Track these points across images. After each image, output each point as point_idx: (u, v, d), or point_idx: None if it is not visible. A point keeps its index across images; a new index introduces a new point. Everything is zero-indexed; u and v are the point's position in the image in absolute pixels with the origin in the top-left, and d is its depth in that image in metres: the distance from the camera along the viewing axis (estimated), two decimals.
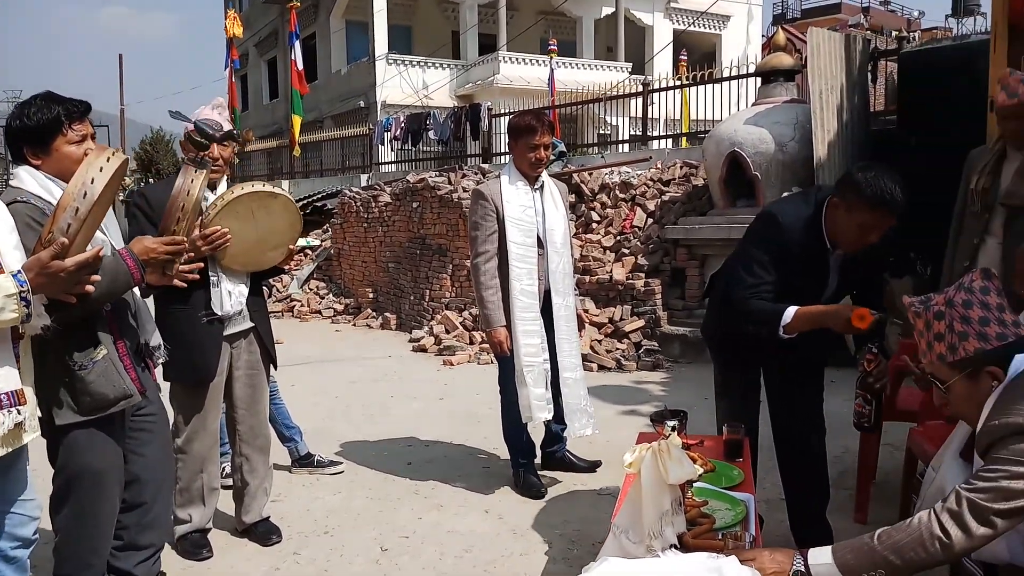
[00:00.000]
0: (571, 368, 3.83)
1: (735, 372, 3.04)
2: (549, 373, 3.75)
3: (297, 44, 14.69)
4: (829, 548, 1.74)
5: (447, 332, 8.02)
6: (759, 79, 7.68)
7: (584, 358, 6.73)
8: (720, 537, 1.88)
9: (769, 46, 7.68)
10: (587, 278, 7.61)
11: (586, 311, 7.31)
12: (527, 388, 3.68)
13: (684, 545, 1.83)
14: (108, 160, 2.06)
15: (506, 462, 4.12)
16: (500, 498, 3.83)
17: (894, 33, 10.03)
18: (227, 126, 3.07)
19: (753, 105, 7.53)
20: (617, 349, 7.03)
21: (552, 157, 9.08)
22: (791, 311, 2.57)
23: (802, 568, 1.71)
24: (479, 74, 22.46)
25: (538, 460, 4.07)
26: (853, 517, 3.40)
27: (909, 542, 1.65)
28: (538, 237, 3.74)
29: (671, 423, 2.43)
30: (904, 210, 2.48)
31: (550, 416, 3.79)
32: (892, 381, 3.44)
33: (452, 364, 7.19)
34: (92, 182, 2.01)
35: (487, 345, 7.30)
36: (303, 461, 4.22)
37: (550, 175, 3.97)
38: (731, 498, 2.23)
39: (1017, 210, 3.47)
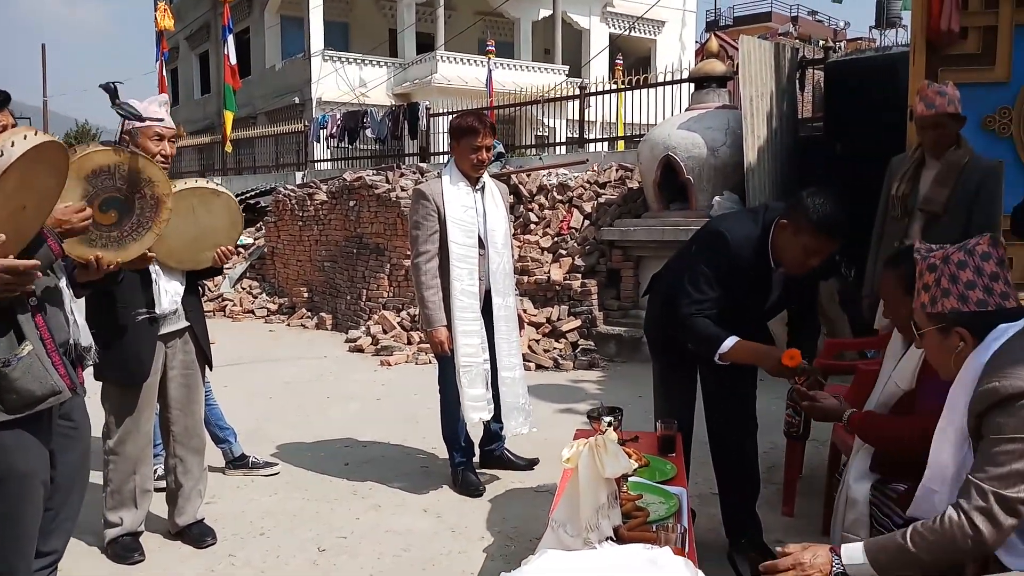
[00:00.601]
0: (510, 367, 3.86)
1: (673, 370, 3.11)
2: (489, 373, 3.78)
3: (230, 38, 14.39)
4: (861, 547, 1.78)
5: (384, 332, 7.98)
6: (692, 85, 7.86)
7: (523, 357, 6.82)
8: (654, 529, 1.94)
9: (702, 52, 7.86)
10: (525, 278, 7.67)
11: (524, 311, 7.36)
12: (463, 389, 3.70)
13: (620, 537, 1.88)
14: (26, 137, 1.95)
15: (445, 461, 4.14)
16: (438, 497, 3.84)
17: (821, 43, 10.37)
18: (170, 123, 3.01)
19: (686, 110, 7.69)
20: (554, 348, 7.11)
21: (492, 157, 9.16)
22: (730, 342, 2.65)
23: (841, 569, 1.76)
24: (417, 73, 22.37)
25: (477, 459, 4.10)
26: (781, 511, 3.52)
27: (942, 542, 1.68)
28: (479, 237, 3.76)
29: (607, 419, 2.49)
30: (847, 236, 2.56)
31: (488, 416, 3.81)
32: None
33: (390, 364, 7.16)
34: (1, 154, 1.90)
35: (426, 345, 7.33)
36: (238, 462, 4.16)
37: (490, 176, 4.00)
38: (664, 492, 2.30)
39: (934, 216, 3.65)
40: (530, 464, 4.14)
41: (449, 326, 3.71)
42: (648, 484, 2.35)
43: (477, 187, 3.80)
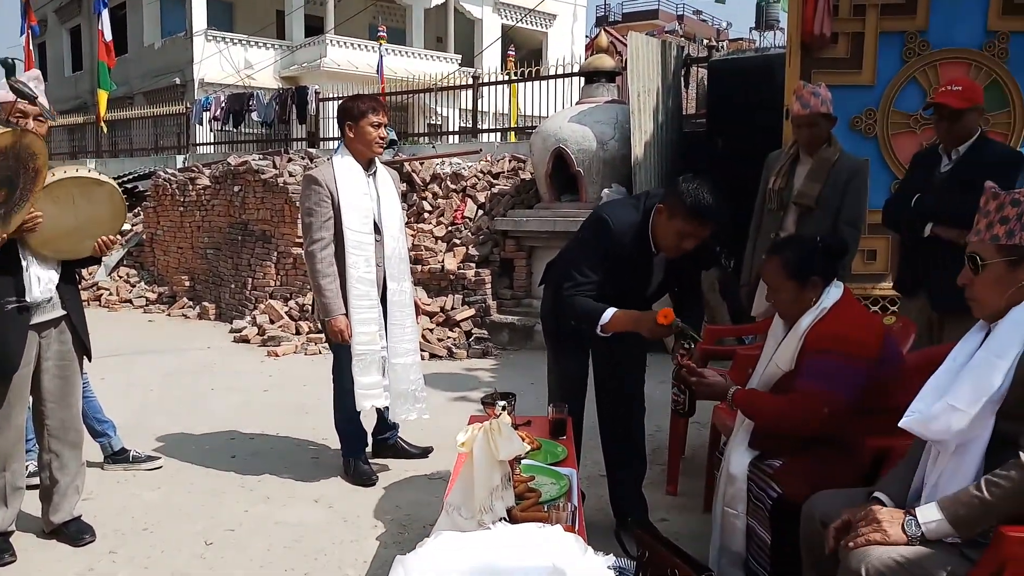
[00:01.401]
0: (402, 353, 3.82)
1: (566, 357, 3.18)
2: (386, 361, 3.75)
3: (105, 13, 13.63)
4: (935, 506, 1.80)
5: (271, 322, 7.79)
6: (583, 78, 8.01)
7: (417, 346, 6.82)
8: (546, 509, 2.00)
9: (592, 47, 8.02)
10: (419, 268, 7.65)
11: (418, 300, 7.34)
12: (357, 378, 3.66)
13: (513, 518, 1.93)
14: None
15: (336, 452, 4.10)
16: (330, 488, 3.80)
17: (705, 41, 10.75)
18: (44, 101, 2.85)
19: (577, 104, 7.84)
20: (448, 338, 7.13)
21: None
22: (609, 313, 2.75)
23: (919, 532, 1.79)
24: (306, 56, 21.84)
25: (370, 448, 4.08)
26: (665, 489, 3.67)
27: (1019, 490, 1.72)
28: (375, 223, 3.72)
29: (501, 404, 2.53)
30: (722, 222, 2.68)
31: (384, 404, 3.79)
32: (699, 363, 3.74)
33: (277, 355, 7.00)
34: None
35: (315, 335, 7.21)
36: (117, 457, 3.99)
37: (381, 162, 3.97)
38: (556, 473, 2.36)
39: (807, 209, 3.86)
40: (424, 452, 4.16)
41: (347, 314, 3.66)
42: (540, 466, 2.41)
43: (370, 172, 3.76)
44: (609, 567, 1.66)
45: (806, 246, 2.58)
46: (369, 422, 4.06)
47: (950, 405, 1.84)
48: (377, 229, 3.73)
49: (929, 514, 1.80)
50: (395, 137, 9.47)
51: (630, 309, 2.82)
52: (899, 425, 1.94)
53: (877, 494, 2.00)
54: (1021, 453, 1.73)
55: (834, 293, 2.52)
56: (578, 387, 3.18)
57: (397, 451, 4.14)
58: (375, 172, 3.78)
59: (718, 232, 2.76)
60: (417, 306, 4.00)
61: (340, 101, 12.22)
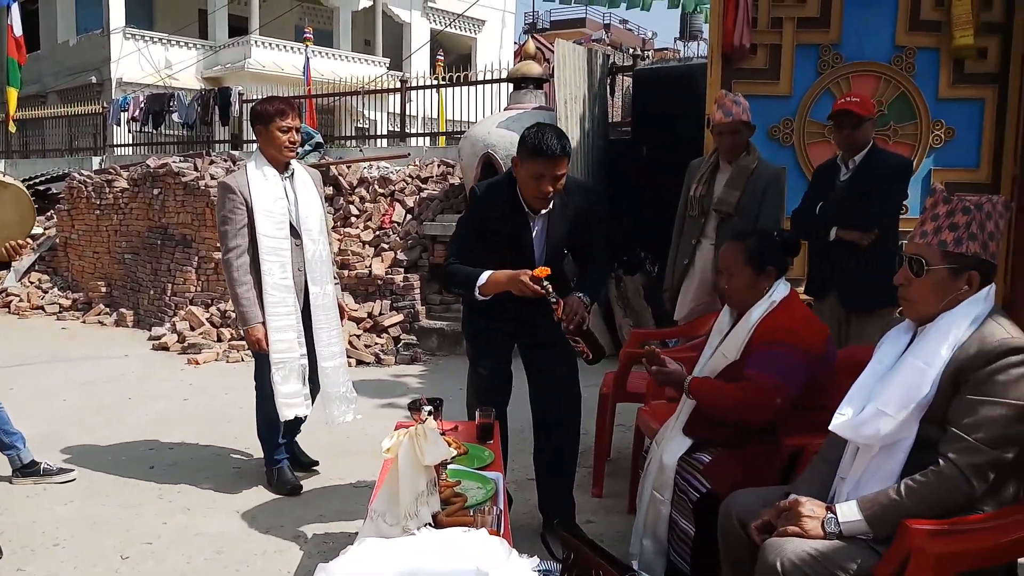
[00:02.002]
0: (330, 357, 3.78)
1: (487, 360, 3.17)
2: (306, 368, 3.70)
3: (15, 7, 13.08)
4: (856, 504, 1.86)
5: (192, 329, 7.59)
6: (511, 84, 8.05)
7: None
8: (472, 514, 2.01)
9: (520, 54, 8.08)
10: (346, 272, 7.56)
11: (345, 306, 7.25)
12: (276, 387, 3.60)
13: (438, 523, 1.92)
14: None
15: (259, 461, 4.02)
16: (252, 497, 3.72)
17: (631, 50, 10.94)
18: None
19: (505, 109, 7.87)
20: (376, 344, 7.06)
21: (308, 148, 8.94)
22: (485, 275, 2.83)
23: (837, 529, 1.86)
24: (229, 57, 21.35)
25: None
26: (591, 492, 3.71)
27: (935, 495, 1.79)
28: (292, 227, 3.66)
29: (427, 408, 2.52)
30: (564, 155, 2.75)
31: (305, 413, 3.72)
32: (623, 366, 3.81)
33: (198, 363, 6.82)
34: None
35: (237, 343, 7.05)
36: (27, 470, 3.82)
37: (308, 166, 3.92)
38: (482, 477, 2.37)
39: (727, 216, 3.97)
40: (312, 464, 4.06)
41: (264, 322, 3.60)
42: (466, 471, 2.41)
43: (286, 174, 3.69)
44: (533, 569, 1.67)
45: (765, 237, 2.71)
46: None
47: (880, 410, 1.89)
48: (296, 233, 3.67)
49: (849, 513, 1.87)
50: (321, 140, 9.33)
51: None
52: (829, 428, 2.01)
53: (800, 498, 2.05)
54: (940, 460, 1.80)
55: (783, 289, 2.64)
56: (500, 390, 3.17)
57: (292, 460, 4.02)
58: (292, 174, 3.71)
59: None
60: (342, 309, 3.94)
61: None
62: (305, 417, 3.84)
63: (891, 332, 2.09)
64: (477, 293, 2.85)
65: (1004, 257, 5.25)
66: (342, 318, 3.93)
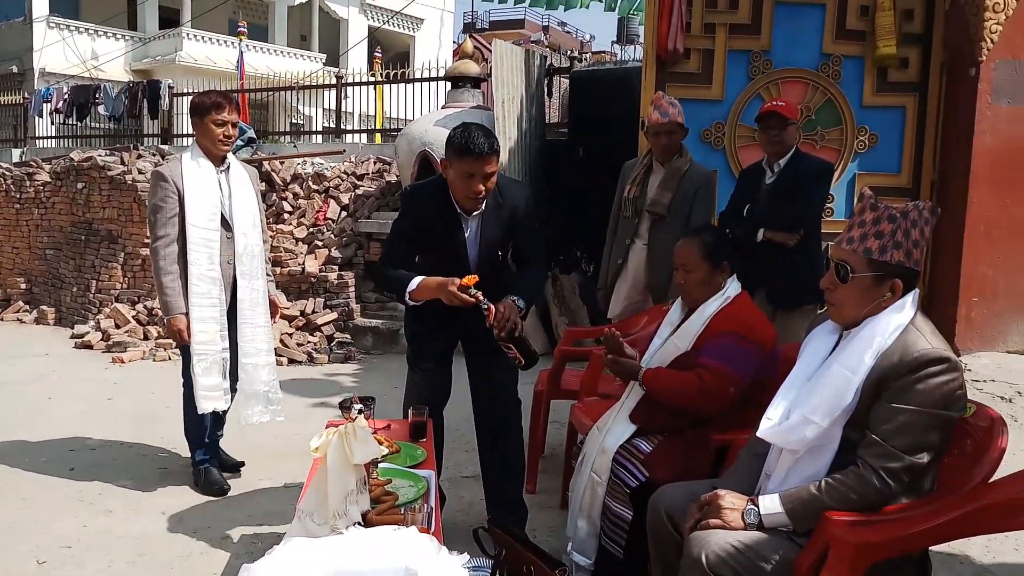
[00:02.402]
0: (253, 353, 3.70)
1: (426, 362, 3.11)
2: (228, 363, 3.63)
3: None
4: (778, 498, 1.91)
5: (117, 327, 7.36)
6: (449, 83, 8.02)
7: (275, 352, 6.58)
8: (403, 512, 1.99)
9: (459, 53, 8.05)
10: (279, 270, 7.41)
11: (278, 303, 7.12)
12: (197, 378, 3.54)
13: (368, 522, 1.90)
14: None
15: (186, 461, 3.93)
16: (178, 499, 3.63)
17: (568, 52, 11.03)
18: None
19: (443, 108, 7.84)
20: (309, 342, 6.95)
21: (240, 143, 8.75)
22: (416, 281, 2.81)
23: (756, 519, 1.91)
24: (159, 49, 20.78)
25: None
26: (525, 488, 3.71)
27: (853, 494, 1.84)
28: (224, 219, 3.61)
29: (357, 406, 2.49)
30: (491, 152, 2.71)
31: (224, 407, 3.66)
32: (557, 364, 3.83)
33: (123, 362, 6.61)
34: None
35: (164, 341, 6.86)
36: None
37: (240, 160, 3.85)
38: (414, 475, 2.35)
39: (659, 217, 4.03)
40: (236, 466, 3.97)
41: (188, 313, 3.53)
42: (398, 469, 2.39)
43: (222, 167, 3.65)
44: (463, 566, 1.67)
45: (719, 234, 2.80)
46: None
47: (806, 418, 1.92)
48: (227, 226, 3.62)
49: (771, 505, 1.91)
50: (253, 135, 9.14)
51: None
52: (757, 435, 2.05)
53: (720, 491, 2.09)
54: (859, 462, 1.86)
55: (736, 286, 2.73)
56: (438, 387, 3.13)
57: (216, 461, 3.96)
58: (227, 168, 3.67)
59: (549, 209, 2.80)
60: (274, 306, 3.87)
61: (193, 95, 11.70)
62: (225, 415, 3.78)
63: (817, 331, 2.13)
64: (408, 299, 2.82)
65: (923, 259, 5.45)
66: (273, 316, 3.86)
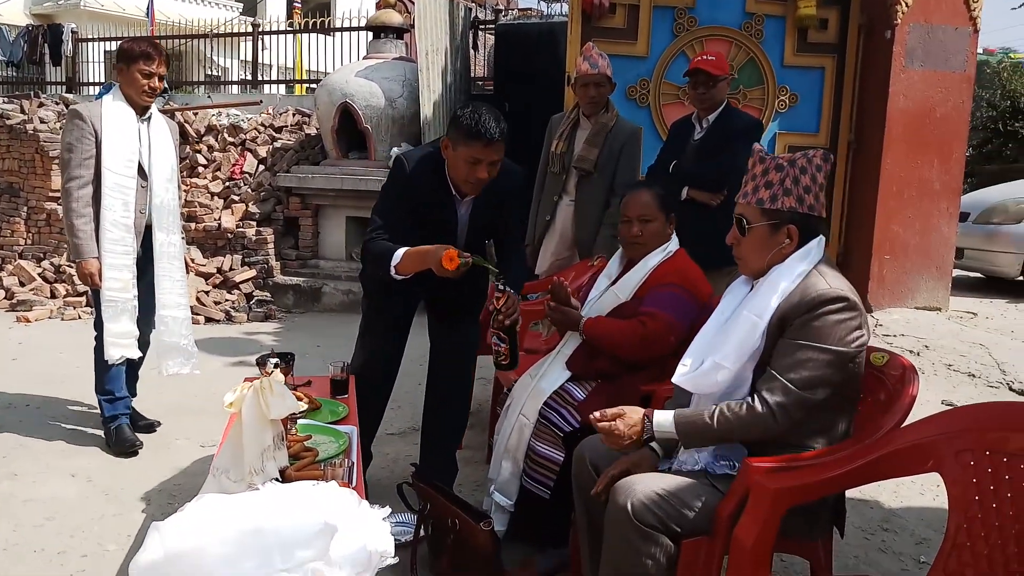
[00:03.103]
0: (172, 306, 3.66)
1: (383, 314, 3.00)
2: (137, 311, 3.54)
3: None
4: (671, 416, 1.95)
5: (22, 285, 7.00)
6: (371, 34, 7.80)
7: (191, 311, 6.37)
8: (322, 468, 1.94)
9: (381, 3, 7.82)
10: (193, 225, 7.15)
11: (192, 260, 6.89)
12: (106, 324, 3.47)
13: (286, 478, 1.85)
14: None
15: (98, 422, 3.78)
16: (90, 460, 3.50)
17: (495, 5, 10.85)
18: None
19: (364, 58, 7.63)
20: (226, 300, 6.76)
21: (163, 88, 8.36)
22: (400, 252, 2.60)
23: (651, 434, 1.96)
24: None
25: None
26: None
27: (742, 426, 1.88)
28: (141, 168, 3.52)
29: (273, 360, 2.42)
30: (503, 140, 2.59)
31: (134, 356, 3.58)
32: (483, 320, 3.79)
33: (29, 321, 6.30)
34: None
35: (74, 299, 6.56)
36: None
37: (167, 116, 3.71)
38: (335, 431, 2.30)
39: (586, 173, 4.00)
40: (150, 426, 3.85)
41: (100, 258, 3.44)
42: (318, 425, 2.34)
43: (144, 117, 3.57)
44: (384, 519, 1.63)
45: (667, 188, 2.89)
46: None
47: (718, 363, 1.96)
48: (144, 175, 3.54)
49: (663, 422, 1.97)
50: (166, 86, 8.73)
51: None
52: (672, 380, 2.08)
53: (625, 408, 2.09)
54: (753, 395, 1.91)
55: (676, 241, 2.78)
56: (393, 344, 3.02)
57: (129, 421, 3.82)
58: (149, 118, 3.59)
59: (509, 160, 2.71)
60: (185, 263, 3.78)
61: (103, 43, 11.07)
62: (137, 375, 3.70)
63: (733, 285, 2.17)
64: (393, 272, 2.62)
65: (839, 215, 5.62)
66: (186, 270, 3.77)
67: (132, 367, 3.72)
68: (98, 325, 3.57)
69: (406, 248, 2.61)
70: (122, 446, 3.56)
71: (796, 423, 1.88)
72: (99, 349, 3.58)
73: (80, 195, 3.42)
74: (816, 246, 1.98)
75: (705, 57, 3.87)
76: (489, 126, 2.54)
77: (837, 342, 1.86)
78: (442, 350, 3.10)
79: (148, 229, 3.60)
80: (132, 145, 3.49)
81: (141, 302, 3.57)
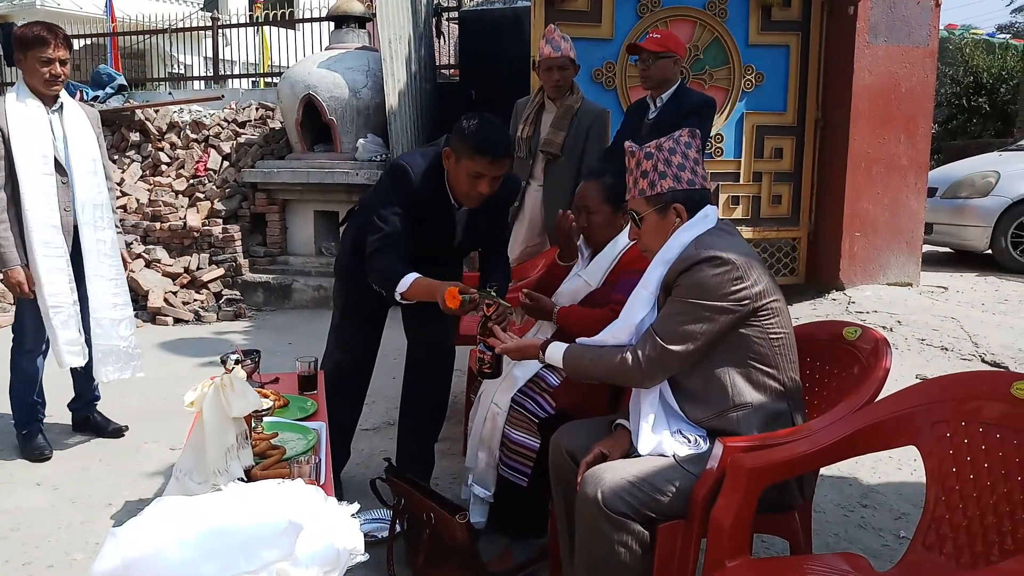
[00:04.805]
0: (106, 307, 3.48)
1: (356, 311, 2.96)
2: (79, 315, 3.40)
3: None
4: (562, 349, 2.12)
5: None
6: (333, 24, 7.69)
7: (158, 312, 6.28)
8: (289, 466, 1.89)
9: None
10: (158, 225, 7.01)
11: (158, 261, 6.76)
12: (56, 332, 3.31)
13: (252, 478, 1.79)
14: None
15: (64, 428, 3.74)
16: (56, 468, 3.41)
17: None
18: None
19: (326, 49, 7.52)
20: (195, 300, 6.63)
21: (111, 91, 8.18)
22: (408, 279, 2.51)
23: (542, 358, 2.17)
24: None
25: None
26: None
27: (609, 370, 2.01)
28: (59, 163, 3.33)
29: (235, 356, 2.36)
30: (509, 156, 2.56)
31: (83, 362, 3.44)
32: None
33: None
34: None
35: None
36: None
37: (111, 111, 3.56)
38: (303, 428, 2.24)
39: (554, 157, 3.96)
40: (118, 431, 3.77)
41: (29, 265, 3.28)
42: (285, 422, 2.28)
43: (53, 107, 3.36)
44: (354, 516, 1.59)
45: (619, 172, 2.67)
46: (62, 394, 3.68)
47: (617, 339, 2.06)
48: (62, 171, 3.35)
49: (555, 353, 2.14)
50: (124, 82, 8.55)
51: (438, 263, 2.69)
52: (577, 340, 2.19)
53: (620, 421, 2.09)
54: (633, 348, 1.98)
55: None
56: (367, 339, 2.99)
57: (92, 426, 3.77)
58: (60, 109, 3.39)
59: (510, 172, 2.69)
60: (124, 258, 3.63)
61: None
62: (88, 374, 3.58)
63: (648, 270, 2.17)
64: (397, 296, 2.54)
65: (808, 194, 5.63)
66: (125, 268, 3.64)
67: (88, 370, 3.56)
68: (17, 328, 3.46)
69: (417, 276, 2.52)
70: (32, 452, 3.49)
71: (666, 372, 1.97)
72: (17, 352, 3.47)
73: None
74: (703, 217, 2.02)
75: (651, 35, 3.85)
76: (495, 142, 2.49)
77: (710, 296, 1.89)
78: (419, 343, 3.04)
79: (74, 228, 3.41)
80: (44, 140, 3.29)
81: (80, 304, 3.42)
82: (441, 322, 2.97)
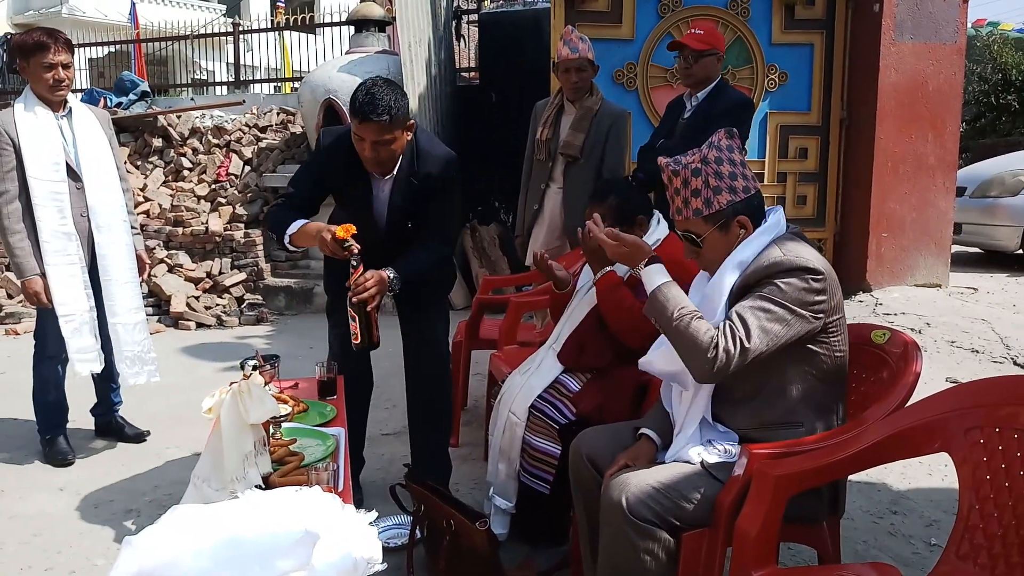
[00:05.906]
0: (122, 313, 3.47)
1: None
2: (96, 321, 3.40)
3: None
4: (659, 286, 1.90)
5: (9, 297, 6.90)
6: (353, 28, 7.71)
7: (180, 316, 6.31)
8: (307, 473, 1.86)
9: None
10: (180, 230, 7.06)
11: (180, 266, 6.80)
12: (68, 341, 3.32)
13: (270, 485, 1.78)
14: None
15: (88, 434, 3.75)
16: (79, 473, 3.42)
17: None
18: None
19: (347, 53, 7.54)
20: (217, 305, 6.67)
21: (134, 98, 8.26)
22: (298, 223, 2.55)
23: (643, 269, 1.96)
24: (43, 2, 19.45)
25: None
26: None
27: (689, 345, 1.80)
28: (72, 169, 3.34)
29: (251, 363, 2.34)
30: (392, 121, 2.45)
31: (98, 369, 3.44)
32: (475, 314, 3.73)
33: (18, 333, 6.21)
34: None
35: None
36: None
37: (133, 117, 3.57)
38: (322, 434, 2.22)
39: (573, 159, 3.92)
40: (140, 436, 3.78)
41: (45, 273, 3.29)
42: (303, 428, 2.26)
43: (62, 113, 3.37)
44: (373, 523, 1.56)
45: (623, 189, 2.66)
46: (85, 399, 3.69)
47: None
48: (75, 176, 3.35)
49: (655, 278, 1.93)
50: (147, 88, 8.63)
51: (377, 245, 2.62)
52: (638, 363, 2.05)
53: (644, 430, 2.04)
54: (727, 328, 1.80)
55: (664, 226, 2.65)
56: (352, 354, 2.97)
57: (113, 431, 3.77)
58: (69, 113, 3.39)
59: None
60: (141, 261, 3.64)
61: (86, 49, 10.94)
62: (116, 378, 3.59)
63: (696, 279, 2.10)
64: (287, 242, 2.57)
65: (835, 193, 5.54)
66: (141, 272, 3.64)
67: (109, 375, 3.59)
68: (39, 335, 3.46)
69: (305, 222, 2.57)
70: (55, 457, 3.50)
71: (732, 372, 1.79)
72: (38, 359, 3.48)
73: (10, 211, 3.23)
74: (772, 222, 1.93)
75: (693, 31, 3.76)
76: (371, 104, 2.41)
77: (795, 303, 1.80)
78: (413, 346, 3.00)
79: (90, 233, 3.40)
80: (55, 146, 3.29)
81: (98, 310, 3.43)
82: (433, 326, 2.95)
